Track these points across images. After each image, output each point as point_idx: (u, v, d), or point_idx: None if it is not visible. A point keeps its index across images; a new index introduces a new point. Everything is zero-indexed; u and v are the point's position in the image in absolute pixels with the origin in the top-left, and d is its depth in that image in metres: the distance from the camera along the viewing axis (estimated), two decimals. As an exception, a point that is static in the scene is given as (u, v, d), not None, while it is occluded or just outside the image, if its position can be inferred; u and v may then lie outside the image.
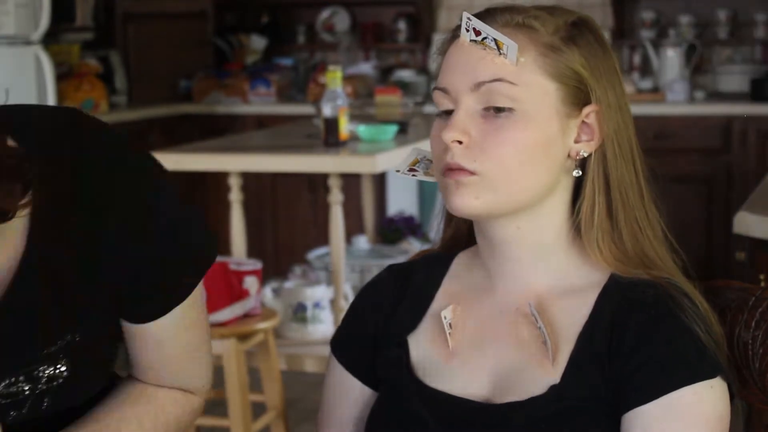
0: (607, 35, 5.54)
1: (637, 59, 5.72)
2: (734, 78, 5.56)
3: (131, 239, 1.18)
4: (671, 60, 5.51)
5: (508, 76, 1.22)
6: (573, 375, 1.22)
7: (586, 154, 1.26)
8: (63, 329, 1.18)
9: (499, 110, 1.22)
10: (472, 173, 1.22)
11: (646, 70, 5.69)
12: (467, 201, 1.22)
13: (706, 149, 5.17)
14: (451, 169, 1.23)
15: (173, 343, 1.30)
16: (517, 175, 1.22)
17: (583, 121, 1.25)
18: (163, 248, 1.21)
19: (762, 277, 2.44)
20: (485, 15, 1.25)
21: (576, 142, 1.25)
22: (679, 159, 5.07)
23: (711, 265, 4.97)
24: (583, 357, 1.22)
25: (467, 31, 1.24)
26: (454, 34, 1.28)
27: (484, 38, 1.23)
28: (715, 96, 5.49)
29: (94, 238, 1.16)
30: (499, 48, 1.22)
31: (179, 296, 1.27)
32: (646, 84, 5.55)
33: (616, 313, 1.23)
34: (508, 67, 1.22)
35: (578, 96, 1.24)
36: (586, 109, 1.25)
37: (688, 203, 5.05)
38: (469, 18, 1.23)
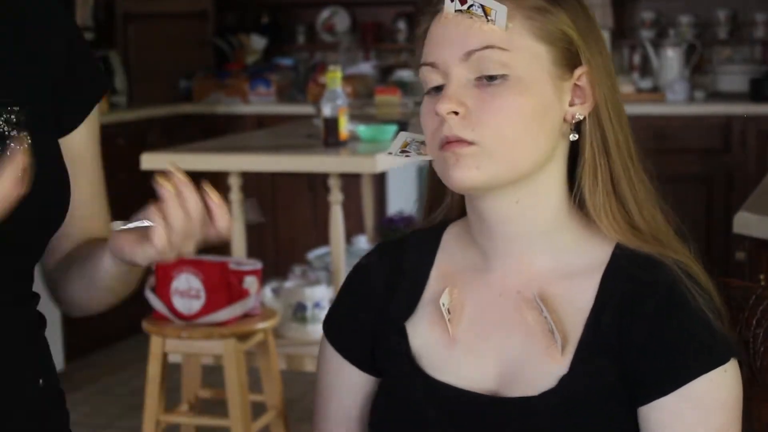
0: (607, 35, 5.55)
1: (637, 59, 5.72)
2: (734, 78, 5.56)
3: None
4: (671, 60, 5.51)
5: (498, 42, 1.20)
6: (582, 365, 1.21)
7: (581, 117, 1.24)
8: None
9: (492, 78, 1.20)
10: (471, 143, 1.20)
11: (646, 70, 5.69)
12: (468, 172, 1.20)
13: (706, 149, 5.17)
14: (449, 142, 1.20)
15: (90, 173, 1.34)
16: (516, 142, 1.20)
17: (575, 84, 1.24)
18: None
19: (762, 276, 2.44)
20: None
21: (570, 105, 1.24)
22: (679, 159, 5.07)
23: (711, 265, 4.96)
24: (591, 345, 1.21)
25: (452, 1, 1.22)
26: (433, 9, 1.26)
27: (471, 6, 1.21)
28: (715, 96, 5.49)
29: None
30: (486, 14, 1.20)
31: (91, 103, 1.34)
32: (646, 84, 5.55)
33: (625, 299, 1.22)
34: (497, 33, 1.20)
35: (569, 58, 1.23)
36: (578, 71, 1.24)
37: (688, 203, 5.05)
38: None
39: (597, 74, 1.24)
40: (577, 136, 1.25)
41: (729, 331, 1.23)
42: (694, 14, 5.68)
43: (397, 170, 5.04)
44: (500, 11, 1.20)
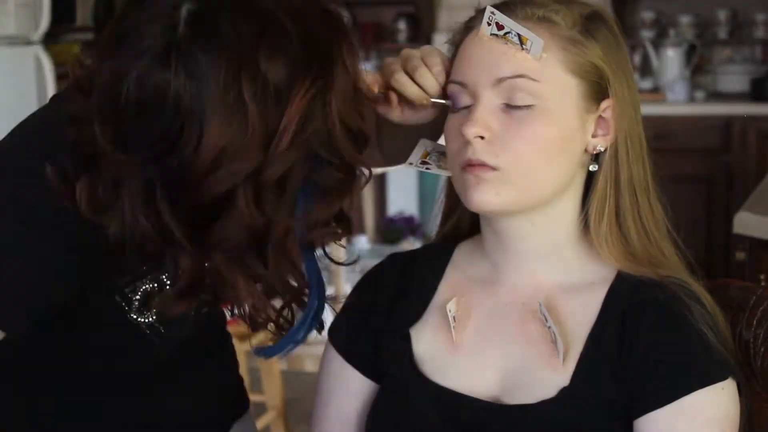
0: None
1: (637, 59, 5.71)
2: (734, 78, 5.55)
3: None
4: (671, 60, 5.50)
5: (530, 72, 1.20)
6: (583, 377, 1.21)
7: (602, 149, 1.25)
8: None
9: (520, 105, 1.21)
10: (494, 169, 1.21)
11: (646, 70, 5.69)
12: (488, 197, 1.21)
13: (706, 149, 5.16)
14: (471, 165, 1.21)
15: None
16: (538, 170, 1.21)
17: (600, 116, 1.25)
18: None
19: (762, 276, 2.44)
20: (503, 8, 1.23)
21: (593, 137, 1.25)
22: (679, 159, 5.07)
23: (711, 265, 4.96)
24: (592, 358, 1.22)
25: (489, 24, 1.21)
26: (469, 25, 1.26)
27: (507, 33, 1.21)
28: (715, 96, 5.49)
29: None
30: (522, 43, 1.20)
31: None
32: (646, 84, 5.54)
33: (626, 315, 1.22)
34: (530, 63, 1.20)
35: (597, 91, 1.23)
36: (604, 104, 1.24)
37: (688, 203, 5.05)
38: (493, 12, 1.21)
39: (622, 107, 1.24)
40: (596, 167, 1.25)
41: (730, 352, 1.23)
42: (694, 14, 5.67)
43: (397, 170, 5.03)
44: (537, 43, 1.20)
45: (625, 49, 1.27)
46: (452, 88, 1.25)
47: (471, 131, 1.20)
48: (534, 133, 1.20)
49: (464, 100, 1.24)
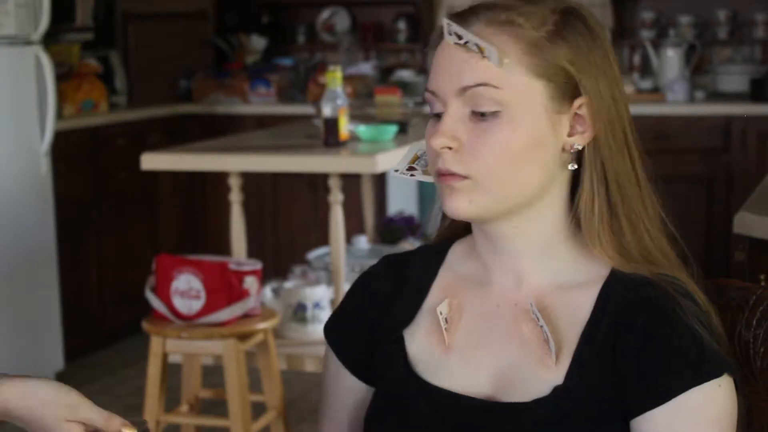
0: (607, 34, 5.53)
1: (637, 59, 5.72)
2: (734, 78, 5.56)
3: None
4: (671, 60, 5.51)
5: (492, 80, 1.20)
6: (577, 376, 1.21)
7: (580, 147, 1.24)
8: None
9: (484, 114, 1.21)
10: (464, 177, 1.21)
11: (646, 70, 5.69)
12: (462, 205, 1.22)
13: (706, 149, 5.17)
14: (443, 175, 1.22)
15: None
16: (509, 177, 1.21)
17: (576, 113, 1.24)
18: None
19: (762, 276, 2.44)
20: (469, 13, 1.23)
21: (570, 135, 1.24)
22: (679, 159, 5.07)
23: (711, 265, 4.96)
24: (586, 357, 1.22)
25: (450, 34, 1.22)
26: (441, 33, 1.25)
27: (466, 42, 1.20)
28: (715, 96, 5.49)
29: None
30: (481, 51, 1.20)
31: None
32: (646, 84, 5.55)
33: (619, 314, 1.22)
34: (492, 70, 1.20)
35: (567, 90, 1.22)
36: (577, 102, 1.23)
37: (688, 203, 5.05)
38: (449, 23, 1.21)
39: (598, 103, 1.23)
40: (575, 166, 1.25)
41: (725, 349, 1.23)
42: (694, 14, 5.68)
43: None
44: (492, 52, 1.19)
45: (604, 44, 1.25)
46: (427, 96, 1.26)
47: (437, 142, 1.21)
48: (501, 140, 1.20)
49: (437, 107, 1.24)
